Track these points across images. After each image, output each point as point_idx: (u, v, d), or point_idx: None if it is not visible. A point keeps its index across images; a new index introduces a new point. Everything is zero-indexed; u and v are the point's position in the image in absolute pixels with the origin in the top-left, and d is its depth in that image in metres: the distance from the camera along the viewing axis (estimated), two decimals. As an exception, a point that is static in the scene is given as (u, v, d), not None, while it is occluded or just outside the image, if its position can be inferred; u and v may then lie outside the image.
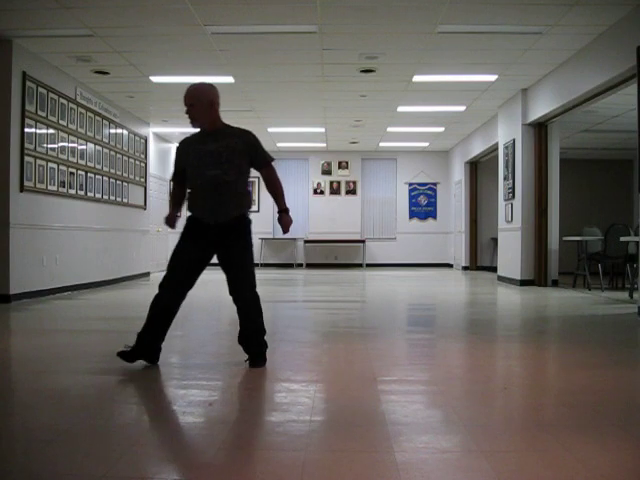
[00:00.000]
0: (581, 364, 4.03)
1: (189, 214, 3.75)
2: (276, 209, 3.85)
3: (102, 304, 7.63)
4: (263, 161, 3.75)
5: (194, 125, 3.71)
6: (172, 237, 14.44)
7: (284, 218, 3.76)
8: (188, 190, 3.78)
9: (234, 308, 3.81)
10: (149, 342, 3.68)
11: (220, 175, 3.59)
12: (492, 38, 7.16)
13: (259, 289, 3.85)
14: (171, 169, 3.80)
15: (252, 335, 3.81)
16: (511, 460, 2.23)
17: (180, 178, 3.79)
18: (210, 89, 3.69)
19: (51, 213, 8.14)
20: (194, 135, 3.78)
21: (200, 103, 3.63)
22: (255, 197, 15.91)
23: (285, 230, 3.77)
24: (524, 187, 9.78)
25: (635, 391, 3.39)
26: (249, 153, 3.69)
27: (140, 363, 3.70)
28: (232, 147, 3.64)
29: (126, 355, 3.63)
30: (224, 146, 3.63)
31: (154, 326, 3.68)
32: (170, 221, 3.83)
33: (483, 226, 14.55)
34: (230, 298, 3.78)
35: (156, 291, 3.72)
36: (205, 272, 3.76)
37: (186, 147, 3.74)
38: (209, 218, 3.63)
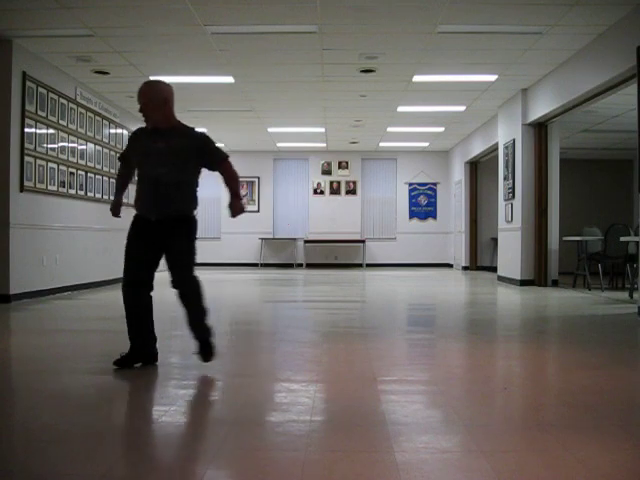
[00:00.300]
0: (581, 364, 4.03)
1: (136, 211, 3.81)
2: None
3: (102, 304, 7.63)
4: (218, 159, 3.73)
5: (147, 123, 3.68)
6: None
7: (236, 202, 3.72)
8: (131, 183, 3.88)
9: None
10: (139, 344, 3.72)
11: (163, 174, 3.59)
12: (492, 38, 7.16)
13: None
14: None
15: (195, 320, 3.74)
16: (511, 460, 2.23)
17: (128, 161, 3.86)
18: (164, 87, 3.68)
19: (51, 213, 8.14)
20: (142, 130, 3.77)
21: (153, 101, 3.60)
22: (255, 197, 15.92)
23: (234, 215, 3.75)
24: (524, 187, 9.78)
25: (635, 391, 3.39)
26: (200, 154, 3.67)
27: (137, 363, 3.70)
28: (180, 147, 3.62)
29: (122, 362, 3.64)
30: (172, 145, 3.60)
31: (134, 327, 3.74)
32: (115, 208, 3.94)
33: (483, 226, 14.55)
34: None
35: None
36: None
37: (137, 139, 3.74)
38: (150, 214, 3.68)
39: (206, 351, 3.70)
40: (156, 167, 3.58)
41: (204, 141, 3.71)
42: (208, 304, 3.78)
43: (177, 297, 3.72)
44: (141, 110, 3.64)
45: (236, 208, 3.71)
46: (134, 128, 3.99)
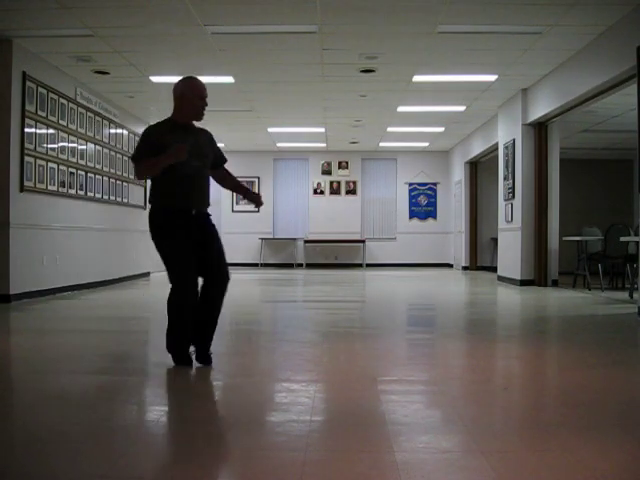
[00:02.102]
0: (581, 364, 4.03)
1: (162, 207, 3.61)
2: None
3: (102, 304, 7.63)
4: (224, 159, 3.91)
5: (202, 118, 3.74)
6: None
7: (253, 193, 3.92)
8: (155, 183, 3.65)
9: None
10: (187, 346, 3.67)
11: (201, 167, 3.66)
12: (492, 38, 7.16)
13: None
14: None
15: (212, 325, 3.72)
16: (511, 460, 2.23)
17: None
18: (180, 82, 3.79)
19: (51, 213, 8.13)
20: (162, 125, 3.71)
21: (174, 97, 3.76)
22: (255, 197, 15.91)
23: (261, 203, 3.89)
24: (524, 187, 9.78)
25: (635, 391, 3.38)
26: (214, 150, 3.81)
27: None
28: (204, 142, 3.75)
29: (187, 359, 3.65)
30: (200, 140, 3.72)
31: (186, 330, 3.65)
32: (181, 150, 3.48)
33: (483, 226, 14.54)
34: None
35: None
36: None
37: (163, 136, 3.60)
38: (192, 207, 3.63)
39: (208, 355, 3.71)
40: (191, 161, 3.58)
41: (214, 140, 3.87)
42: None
43: (209, 294, 3.65)
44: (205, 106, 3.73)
45: (257, 197, 3.90)
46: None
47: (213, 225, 3.77)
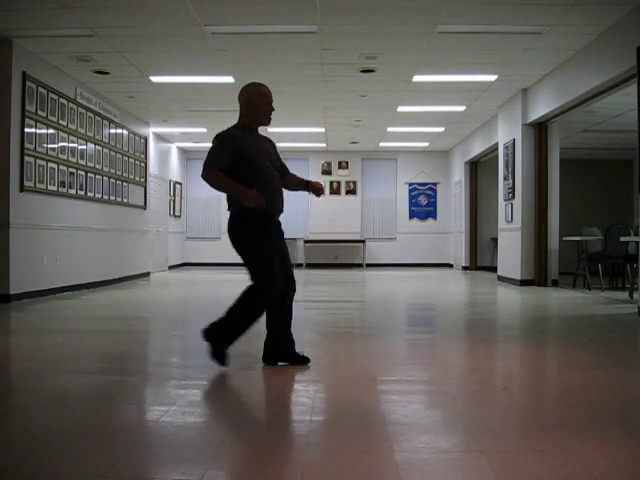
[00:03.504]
0: (581, 364, 4.03)
1: (253, 210, 3.51)
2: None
3: (102, 304, 7.63)
4: (286, 168, 3.92)
5: (269, 123, 3.79)
6: (172, 237, 14.45)
7: (313, 182, 3.94)
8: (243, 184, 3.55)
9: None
10: (285, 344, 3.73)
11: (276, 174, 3.72)
12: (492, 38, 7.16)
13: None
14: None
15: (290, 324, 3.77)
16: (511, 460, 2.23)
17: (222, 170, 3.53)
18: (248, 88, 3.80)
19: (51, 213, 8.14)
20: (238, 131, 3.65)
21: (242, 103, 3.78)
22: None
23: (321, 191, 3.94)
24: (524, 187, 9.78)
25: (635, 391, 3.38)
26: (279, 158, 3.85)
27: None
28: (272, 149, 3.81)
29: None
30: (270, 147, 3.79)
31: (282, 330, 3.71)
32: (259, 196, 3.45)
33: (483, 226, 14.54)
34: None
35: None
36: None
37: (241, 141, 3.57)
38: (278, 213, 3.72)
39: (302, 354, 3.78)
40: (271, 167, 3.66)
41: (276, 148, 3.91)
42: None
43: (287, 298, 3.68)
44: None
45: (317, 184, 3.92)
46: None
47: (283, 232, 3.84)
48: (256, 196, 3.43)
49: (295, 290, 3.76)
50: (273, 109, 3.77)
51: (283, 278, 3.61)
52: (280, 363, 3.73)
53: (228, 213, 3.74)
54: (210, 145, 3.62)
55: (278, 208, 3.70)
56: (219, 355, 3.61)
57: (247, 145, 3.58)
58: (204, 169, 3.54)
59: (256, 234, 3.58)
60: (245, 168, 3.55)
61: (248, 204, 3.44)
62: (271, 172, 3.65)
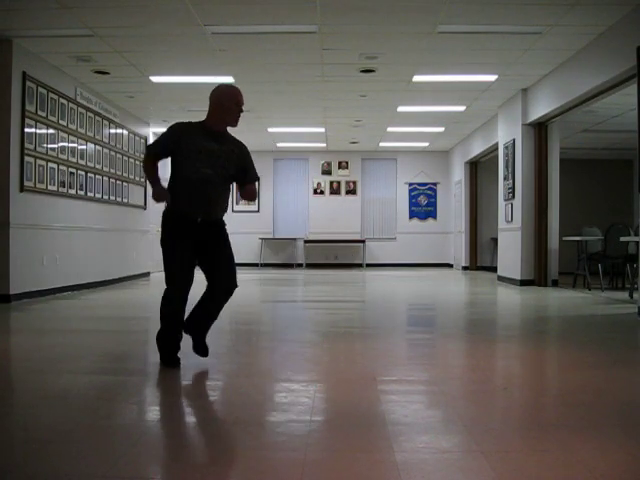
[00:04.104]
0: (581, 364, 4.03)
1: (170, 209, 3.65)
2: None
3: (102, 304, 7.63)
4: (254, 176, 3.85)
5: (236, 125, 3.77)
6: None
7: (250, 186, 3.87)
8: (170, 182, 3.70)
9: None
10: (174, 349, 3.72)
11: (212, 176, 3.61)
12: (492, 38, 7.16)
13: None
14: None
15: (211, 319, 3.80)
16: (511, 460, 2.23)
17: (160, 157, 3.76)
18: (219, 89, 3.85)
19: (51, 213, 8.13)
20: (192, 127, 3.70)
21: (211, 103, 3.79)
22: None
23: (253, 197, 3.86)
24: (524, 187, 9.78)
25: (635, 391, 3.38)
26: (243, 165, 3.77)
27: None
28: (230, 153, 3.71)
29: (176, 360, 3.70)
30: (225, 150, 3.69)
31: (175, 331, 3.71)
32: (164, 195, 3.61)
33: (483, 226, 14.54)
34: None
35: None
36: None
37: (184, 135, 3.65)
38: (196, 215, 3.62)
39: (205, 347, 3.76)
40: (206, 167, 3.60)
41: (248, 154, 3.84)
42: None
43: (214, 295, 3.70)
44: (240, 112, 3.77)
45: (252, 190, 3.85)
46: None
47: (224, 233, 3.77)
48: (159, 194, 3.57)
49: (227, 294, 3.71)
50: (242, 111, 3.76)
51: (184, 283, 3.60)
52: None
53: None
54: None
55: (195, 210, 3.60)
56: (167, 359, 3.70)
57: (189, 142, 3.59)
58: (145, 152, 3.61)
59: (165, 232, 3.65)
60: (177, 163, 3.67)
61: (153, 198, 3.61)
62: (199, 173, 3.57)
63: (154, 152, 3.77)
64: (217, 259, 3.71)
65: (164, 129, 3.79)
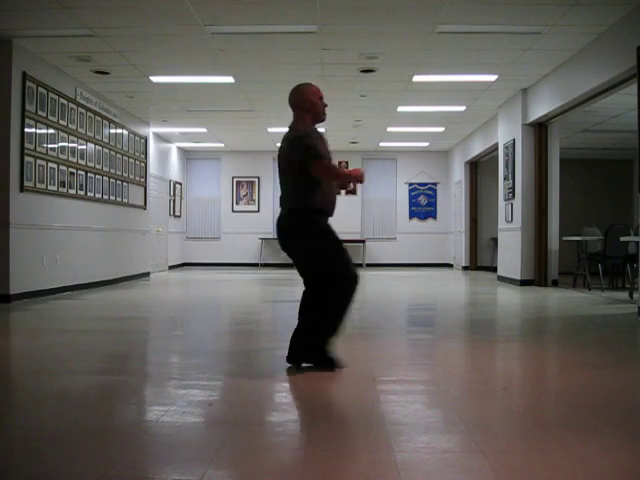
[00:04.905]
0: (581, 364, 4.02)
1: (319, 208, 3.77)
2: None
3: (102, 304, 7.63)
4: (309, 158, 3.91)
5: (325, 119, 3.86)
6: (172, 237, 14.45)
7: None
8: (305, 182, 3.71)
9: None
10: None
11: None
12: (492, 38, 7.16)
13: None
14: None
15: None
16: (511, 460, 2.23)
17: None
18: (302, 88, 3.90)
19: (51, 213, 8.14)
20: (315, 129, 3.81)
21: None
22: (255, 197, 15.93)
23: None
24: (524, 187, 9.78)
25: (635, 391, 3.39)
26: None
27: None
28: None
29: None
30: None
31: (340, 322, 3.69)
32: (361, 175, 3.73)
33: (483, 226, 14.55)
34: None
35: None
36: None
37: (321, 140, 3.78)
38: (332, 212, 3.89)
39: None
40: None
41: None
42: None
43: (350, 292, 3.66)
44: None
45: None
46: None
47: None
48: (356, 176, 3.72)
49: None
50: (326, 105, 3.84)
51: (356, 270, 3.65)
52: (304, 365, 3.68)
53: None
54: (288, 145, 3.75)
55: (332, 208, 3.90)
56: (326, 358, 3.64)
57: (318, 143, 3.71)
58: (316, 164, 3.61)
59: (319, 229, 3.74)
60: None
61: (358, 181, 3.73)
62: None
63: (321, 155, 3.72)
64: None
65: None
